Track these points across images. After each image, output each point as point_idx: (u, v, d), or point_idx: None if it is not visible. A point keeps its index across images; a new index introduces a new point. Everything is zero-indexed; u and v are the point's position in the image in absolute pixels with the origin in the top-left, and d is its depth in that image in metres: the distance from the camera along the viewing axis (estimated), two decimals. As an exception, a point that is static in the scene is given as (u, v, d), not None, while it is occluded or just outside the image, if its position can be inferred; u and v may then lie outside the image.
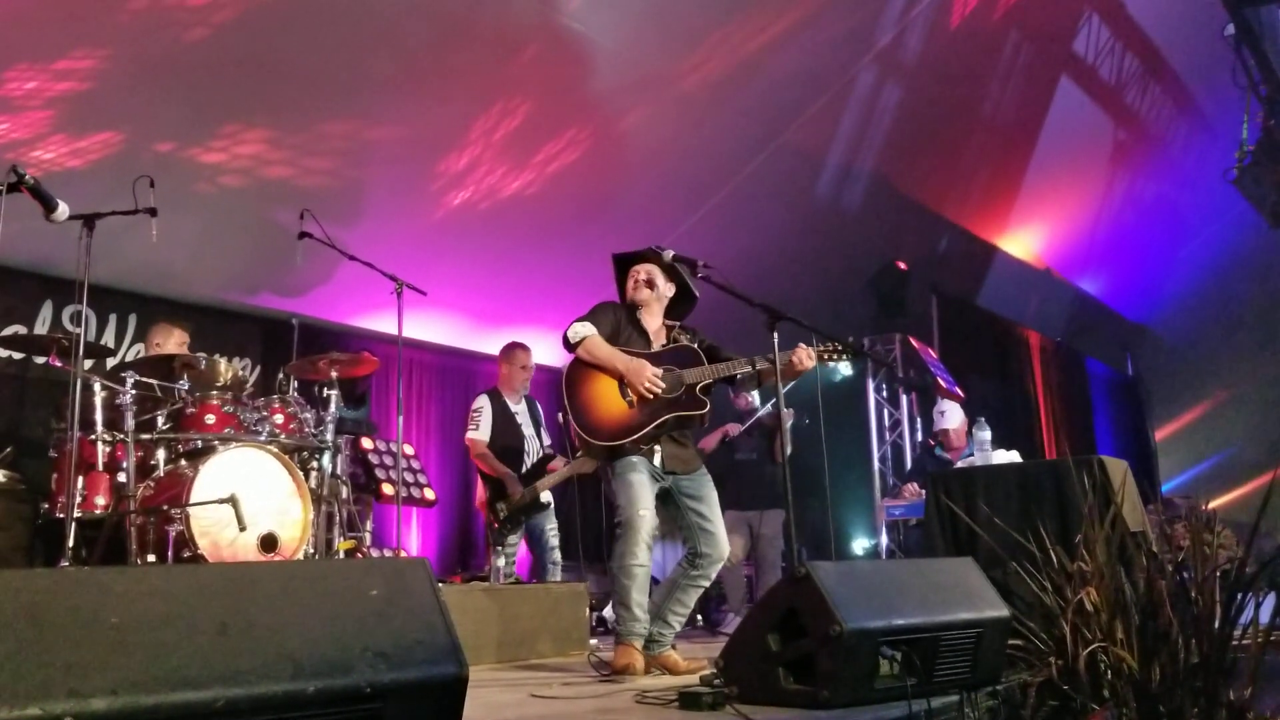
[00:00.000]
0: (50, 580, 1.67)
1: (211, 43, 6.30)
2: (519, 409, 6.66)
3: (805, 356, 4.44)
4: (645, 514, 4.28)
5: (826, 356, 4.53)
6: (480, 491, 6.62)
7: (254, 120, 7.02)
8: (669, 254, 4.56)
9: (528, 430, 6.62)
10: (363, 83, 6.99)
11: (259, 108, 6.94)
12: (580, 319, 4.52)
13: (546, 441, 6.68)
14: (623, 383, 4.42)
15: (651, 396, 4.36)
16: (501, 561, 6.56)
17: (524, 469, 6.44)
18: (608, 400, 4.41)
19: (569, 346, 4.49)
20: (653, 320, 4.67)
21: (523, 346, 6.82)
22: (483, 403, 6.61)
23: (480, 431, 6.51)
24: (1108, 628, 3.37)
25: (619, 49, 7.63)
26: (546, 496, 6.38)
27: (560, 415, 4.55)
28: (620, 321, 4.58)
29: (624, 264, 4.75)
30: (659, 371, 4.40)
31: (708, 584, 4.53)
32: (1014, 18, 9.83)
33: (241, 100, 6.83)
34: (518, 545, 6.46)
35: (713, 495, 4.53)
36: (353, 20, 6.59)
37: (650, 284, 4.62)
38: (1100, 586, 3.45)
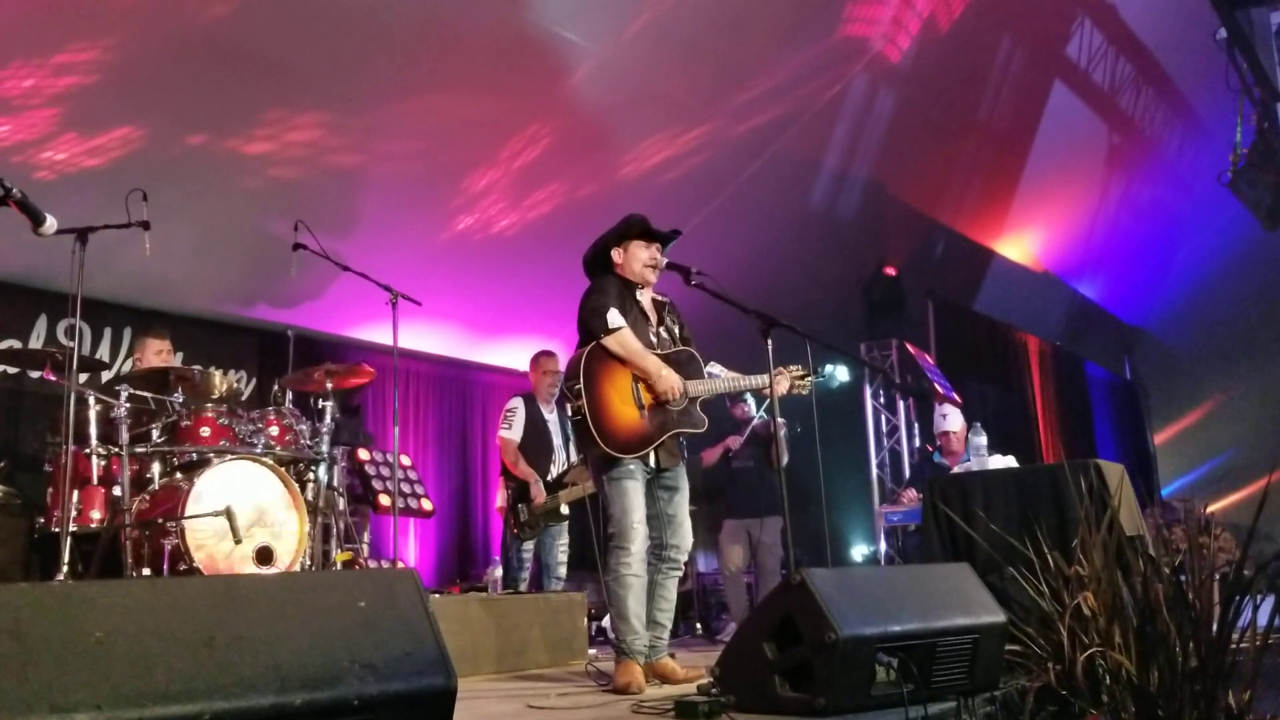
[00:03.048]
0: (34, 594, 1.66)
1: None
2: (551, 417, 6.66)
3: (779, 385, 4.41)
4: (639, 526, 4.21)
5: (795, 388, 4.51)
6: (501, 493, 6.61)
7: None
8: (664, 260, 4.52)
9: (557, 440, 6.62)
10: (368, 85, 6.99)
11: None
12: (603, 303, 4.27)
13: (574, 456, 6.63)
14: (636, 383, 4.26)
15: (667, 401, 4.26)
16: (500, 572, 6.56)
17: (549, 478, 6.43)
18: (620, 402, 4.24)
19: (601, 330, 4.23)
20: (646, 298, 4.52)
21: (547, 353, 6.88)
22: (516, 404, 6.64)
23: (512, 431, 6.53)
24: (1105, 632, 3.36)
25: (616, 62, 7.68)
26: (565, 509, 6.36)
27: (571, 406, 4.29)
28: (626, 301, 4.38)
29: (626, 233, 4.48)
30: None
31: (680, 572, 4.48)
32: (1003, 24, 9.88)
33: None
34: (532, 552, 6.45)
35: (685, 487, 4.48)
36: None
37: (657, 269, 4.45)
38: (1098, 591, 3.44)
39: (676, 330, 4.57)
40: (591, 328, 4.29)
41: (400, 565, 6.98)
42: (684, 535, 4.44)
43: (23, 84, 6.00)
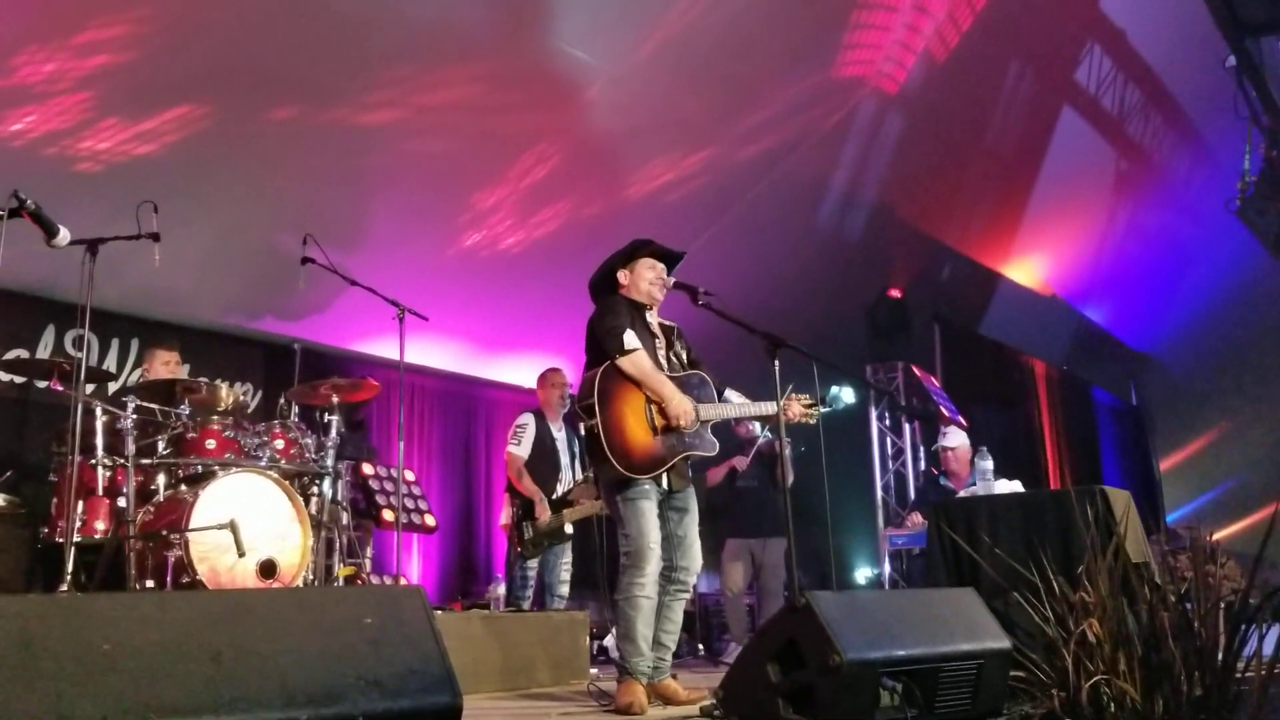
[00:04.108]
0: (43, 606, 1.66)
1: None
2: (560, 435, 6.66)
3: (794, 414, 4.46)
4: (655, 547, 4.20)
5: (803, 417, 4.52)
6: (505, 510, 6.60)
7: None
8: (670, 280, 4.53)
9: (564, 458, 6.61)
10: (374, 103, 7.00)
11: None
12: (619, 323, 4.28)
13: (580, 474, 6.63)
14: (649, 405, 4.27)
15: (683, 427, 4.27)
16: (502, 590, 6.55)
17: (554, 495, 6.42)
18: (633, 422, 4.24)
19: (616, 351, 4.25)
20: (652, 320, 4.54)
21: (555, 369, 6.89)
22: (527, 419, 6.63)
23: (521, 448, 6.51)
24: (1110, 659, 3.34)
25: (626, 81, 7.71)
26: (569, 528, 6.36)
27: (584, 425, 4.32)
28: (635, 322, 4.39)
29: (633, 254, 4.52)
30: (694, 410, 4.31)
31: (688, 594, 4.48)
32: (1012, 49, 9.92)
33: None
34: (535, 570, 6.45)
35: (695, 508, 4.48)
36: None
37: (665, 288, 4.48)
38: (1103, 618, 3.42)
39: (685, 354, 4.58)
40: (606, 348, 4.29)
41: (403, 581, 6.97)
42: (694, 557, 4.44)
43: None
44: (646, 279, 4.47)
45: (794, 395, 4.49)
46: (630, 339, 4.27)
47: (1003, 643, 3.44)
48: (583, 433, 4.41)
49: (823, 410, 4.57)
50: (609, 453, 4.18)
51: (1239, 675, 3.27)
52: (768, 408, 4.41)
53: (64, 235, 3.63)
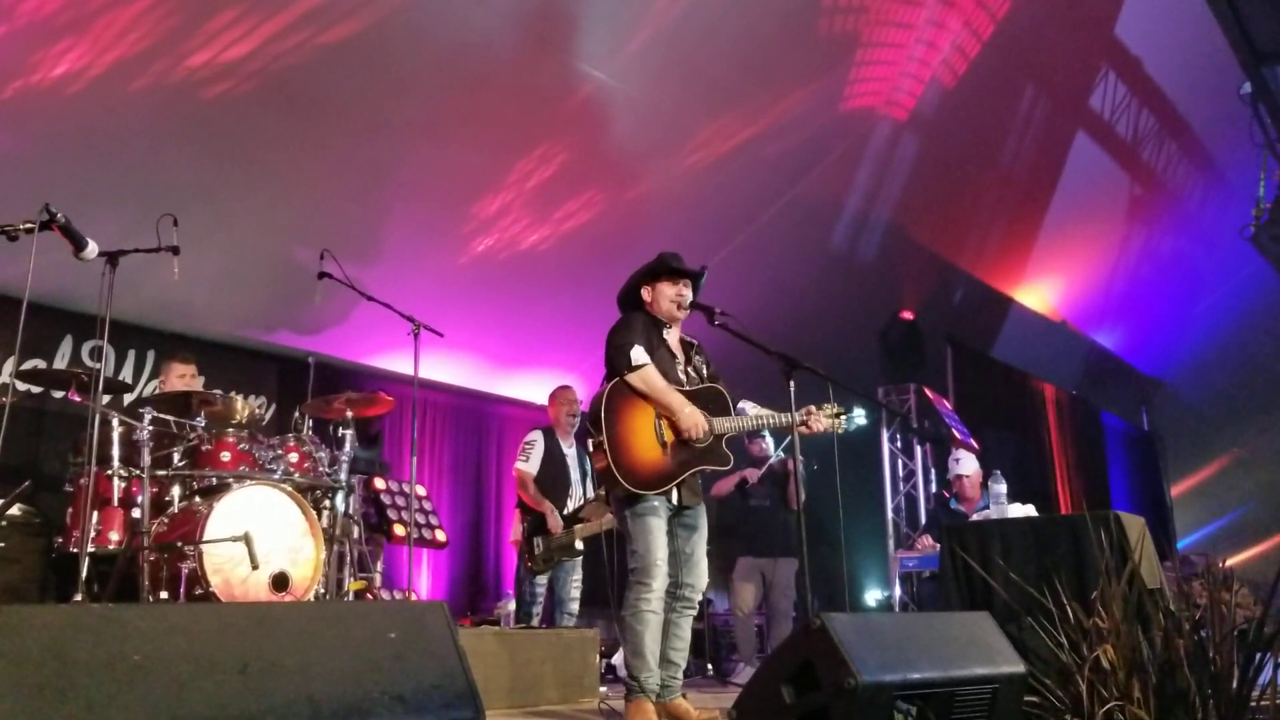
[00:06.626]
0: (74, 617, 1.68)
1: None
2: (570, 452, 6.71)
3: (813, 424, 4.46)
4: (661, 563, 4.21)
5: (829, 425, 4.51)
6: (516, 526, 6.62)
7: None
8: (689, 295, 4.54)
9: (574, 475, 6.65)
10: (394, 120, 7.04)
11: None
12: (628, 339, 4.31)
13: (591, 491, 6.64)
14: (658, 420, 4.28)
15: (694, 441, 4.28)
16: (513, 606, 6.55)
17: (564, 512, 6.44)
18: (642, 438, 4.25)
19: (624, 366, 4.27)
20: (673, 336, 4.55)
21: (565, 387, 6.95)
22: (535, 436, 6.69)
23: (530, 464, 6.56)
24: (1125, 686, 3.33)
25: (643, 101, 7.74)
26: (579, 545, 6.37)
27: (591, 441, 4.32)
28: (652, 338, 4.42)
29: (655, 272, 4.53)
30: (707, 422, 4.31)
31: (695, 611, 4.47)
32: (1027, 74, 9.95)
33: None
34: (545, 586, 6.45)
35: (704, 527, 4.48)
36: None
37: (684, 306, 4.50)
38: (1117, 644, 3.41)
39: (704, 369, 4.59)
40: (615, 364, 4.31)
41: (413, 596, 6.98)
42: (699, 575, 4.43)
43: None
44: (667, 296, 4.48)
45: (820, 406, 4.49)
46: (638, 354, 4.28)
47: (1018, 668, 3.42)
48: (590, 449, 4.41)
49: (850, 418, 4.55)
50: (615, 470, 4.19)
51: (1254, 704, 3.26)
52: (785, 418, 4.41)
53: (92, 248, 3.67)
